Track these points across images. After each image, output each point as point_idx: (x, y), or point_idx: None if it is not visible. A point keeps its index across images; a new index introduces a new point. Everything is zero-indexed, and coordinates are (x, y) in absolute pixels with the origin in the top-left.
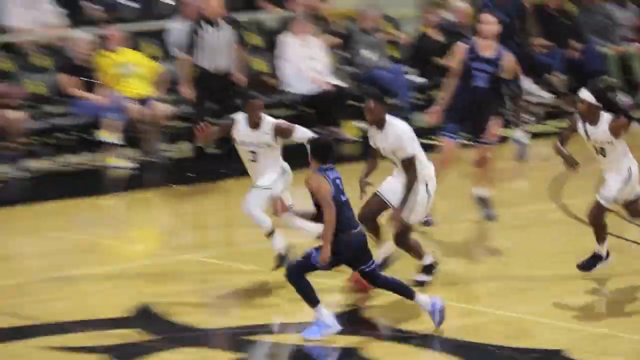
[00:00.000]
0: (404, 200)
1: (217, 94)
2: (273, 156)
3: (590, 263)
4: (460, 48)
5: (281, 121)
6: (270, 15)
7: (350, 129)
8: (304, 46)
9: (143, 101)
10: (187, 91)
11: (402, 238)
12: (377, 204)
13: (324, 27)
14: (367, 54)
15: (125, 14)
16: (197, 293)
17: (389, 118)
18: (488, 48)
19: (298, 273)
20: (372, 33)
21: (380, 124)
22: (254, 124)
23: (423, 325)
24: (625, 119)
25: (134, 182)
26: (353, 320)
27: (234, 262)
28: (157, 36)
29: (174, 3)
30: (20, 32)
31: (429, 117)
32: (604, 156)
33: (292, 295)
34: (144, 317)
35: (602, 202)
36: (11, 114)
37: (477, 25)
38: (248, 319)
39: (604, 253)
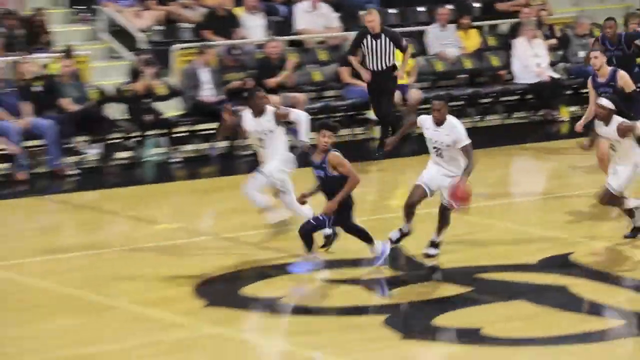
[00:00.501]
0: (466, 174)
1: (383, 88)
2: (278, 143)
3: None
4: (589, 81)
5: (280, 108)
6: (504, 22)
7: (564, 112)
8: (530, 46)
9: (402, 88)
10: (366, 76)
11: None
12: (420, 195)
13: (546, 31)
14: (580, 53)
15: (389, 19)
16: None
17: (448, 117)
18: (602, 74)
19: (307, 232)
20: (584, 37)
21: (442, 122)
22: (258, 113)
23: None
24: (629, 123)
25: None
26: (562, 264)
27: (492, 218)
28: (416, 36)
29: (424, 9)
30: (306, 32)
31: (577, 127)
32: (615, 151)
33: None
34: (394, 256)
35: (611, 190)
36: (298, 96)
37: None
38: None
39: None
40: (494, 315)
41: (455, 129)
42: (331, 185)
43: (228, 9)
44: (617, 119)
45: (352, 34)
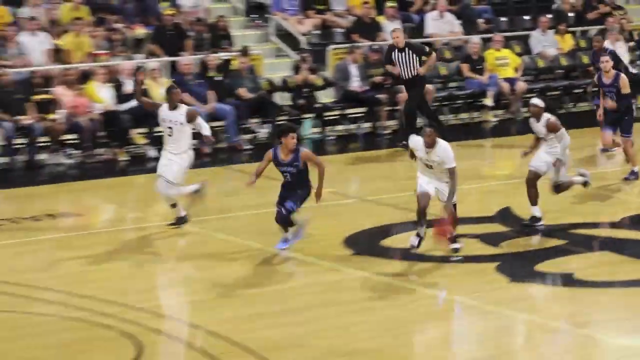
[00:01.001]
0: (451, 196)
1: (409, 91)
2: (184, 135)
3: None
4: (596, 79)
5: (192, 108)
6: (593, 28)
7: None
8: (613, 47)
9: (510, 81)
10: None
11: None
12: (427, 199)
13: (626, 35)
14: None
15: (501, 26)
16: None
17: (438, 140)
18: (608, 76)
19: (285, 219)
20: None
21: (433, 145)
22: (173, 107)
23: None
24: (554, 121)
25: (498, 131)
26: None
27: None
28: (522, 39)
29: (528, 18)
30: (434, 36)
31: (598, 117)
32: (546, 140)
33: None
34: (504, 215)
35: (533, 169)
36: (428, 87)
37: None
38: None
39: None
40: (584, 263)
41: (445, 152)
42: (299, 177)
43: (372, 17)
44: (546, 116)
45: (471, 38)
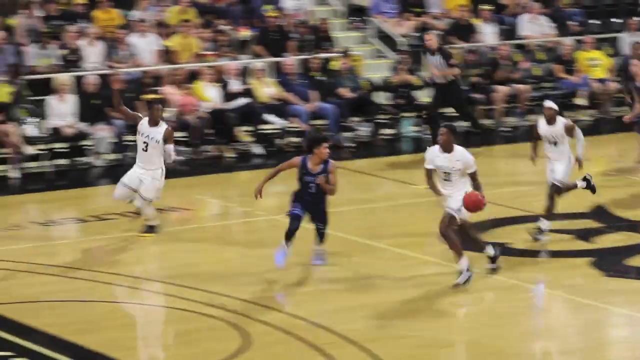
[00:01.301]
0: (479, 188)
1: (442, 92)
2: (157, 152)
3: None
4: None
5: (170, 128)
6: None
7: None
8: None
9: (602, 81)
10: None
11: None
12: (452, 219)
13: None
14: None
15: (592, 28)
16: None
17: (455, 145)
18: (638, 79)
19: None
20: None
21: (449, 149)
22: (154, 122)
23: None
24: (572, 122)
25: (591, 129)
26: None
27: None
28: (612, 41)
29: (622, 21)
30: (528, 38)
31: (625, 119)
32: (556, 146)
33: None
34: (598, 212)
35: (557, 183)
36: (521, 87)
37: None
38: None
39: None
40: None
41: (464, 156)
42: (322, 191)
43: (468, 19)
44: (561, 119)
45: (563, 39)
